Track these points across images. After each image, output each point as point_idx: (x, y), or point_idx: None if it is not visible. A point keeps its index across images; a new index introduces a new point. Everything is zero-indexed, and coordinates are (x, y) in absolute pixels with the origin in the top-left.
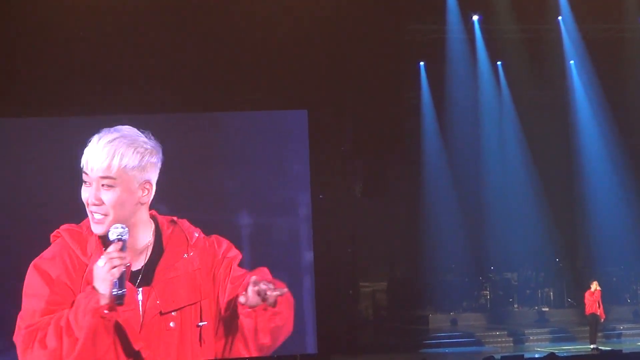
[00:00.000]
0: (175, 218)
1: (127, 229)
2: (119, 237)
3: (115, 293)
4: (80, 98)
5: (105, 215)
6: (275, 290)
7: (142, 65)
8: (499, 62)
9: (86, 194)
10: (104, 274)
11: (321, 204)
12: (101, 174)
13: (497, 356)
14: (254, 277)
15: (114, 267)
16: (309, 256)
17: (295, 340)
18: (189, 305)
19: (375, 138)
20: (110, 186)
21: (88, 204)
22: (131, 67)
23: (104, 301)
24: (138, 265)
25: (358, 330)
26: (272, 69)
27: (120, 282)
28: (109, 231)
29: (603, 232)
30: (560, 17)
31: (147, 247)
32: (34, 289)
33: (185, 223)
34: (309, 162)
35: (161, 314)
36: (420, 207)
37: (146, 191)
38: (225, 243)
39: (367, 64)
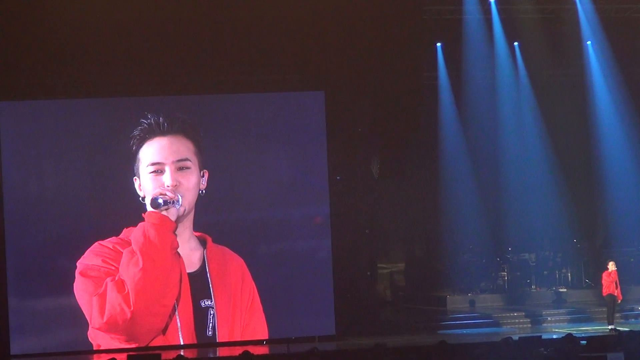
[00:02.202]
0: None
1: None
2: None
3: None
4: (93, 80)
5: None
6: None
7: (159, 48)
8: (515, 43)
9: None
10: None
11: (339, 186)
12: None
13: (515, 337)
14: None
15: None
16: (326, 238)
17: (313, 321)
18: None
19: (392, 119)
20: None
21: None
22: (147, 49)
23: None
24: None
25: (376, 311)
26: (288, 50)
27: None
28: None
29: (621, 212)
30: None
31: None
32: None
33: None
34: (326, 144)
35: None
36: (438, 188)
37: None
38: None
39: (384, 44)
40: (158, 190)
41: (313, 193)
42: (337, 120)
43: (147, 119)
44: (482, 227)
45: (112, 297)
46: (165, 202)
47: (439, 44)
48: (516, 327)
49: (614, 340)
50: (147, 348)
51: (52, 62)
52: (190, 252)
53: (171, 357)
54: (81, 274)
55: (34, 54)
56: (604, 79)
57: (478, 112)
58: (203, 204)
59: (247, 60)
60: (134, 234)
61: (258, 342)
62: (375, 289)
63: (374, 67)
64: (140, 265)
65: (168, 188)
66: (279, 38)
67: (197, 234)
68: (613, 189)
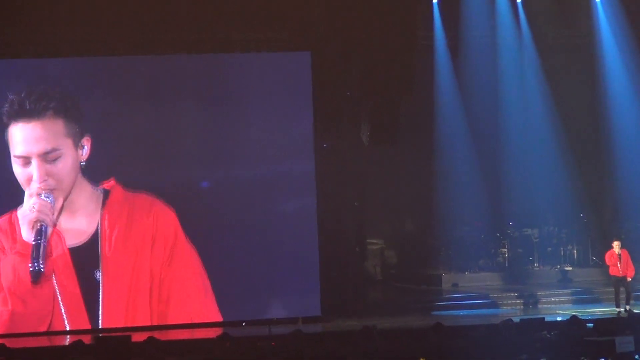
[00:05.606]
0: None
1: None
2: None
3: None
4: (65, 37)
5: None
6: None
7: (138, 4)
8: (518, 0)
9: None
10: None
11: (325, 153)
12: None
13: (516, 319)
14: None
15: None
16: (312, 210)
17: (297, 301)
18: None
19: (384, 81)
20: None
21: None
22: (127, 5)
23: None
24: None
25: (365, 290)
26: (273, 8)
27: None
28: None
29: (631, 185)
30: None
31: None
32: None
33: None
34: (312, 108)
35: None
36: (433, 157)
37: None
38: None
39: (376, 1)
40: (32, 216)
41: (298, 161)
42: (325, 83)
43: (12, 94)
44: (481, 200)
45: None
46: (46, 228)
47: (435, 1)
48: (517, 308)
49: (623, 323)
50: (115, 330)
51: None
52: (81, 219)
53: (142, 340)
54: None
55: None
56: (615, 40)
57: (477, 75)
58: (177, 162)
59: (229, 19)
60: (3, 267)
61: (237, 324)
62: (364, 266)
63: (365, 25)
64: (10, 307)
65: (39, 186)
66: None
67: (106, 185)
68: (623, 159)
